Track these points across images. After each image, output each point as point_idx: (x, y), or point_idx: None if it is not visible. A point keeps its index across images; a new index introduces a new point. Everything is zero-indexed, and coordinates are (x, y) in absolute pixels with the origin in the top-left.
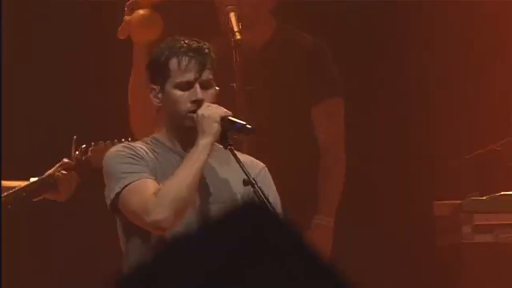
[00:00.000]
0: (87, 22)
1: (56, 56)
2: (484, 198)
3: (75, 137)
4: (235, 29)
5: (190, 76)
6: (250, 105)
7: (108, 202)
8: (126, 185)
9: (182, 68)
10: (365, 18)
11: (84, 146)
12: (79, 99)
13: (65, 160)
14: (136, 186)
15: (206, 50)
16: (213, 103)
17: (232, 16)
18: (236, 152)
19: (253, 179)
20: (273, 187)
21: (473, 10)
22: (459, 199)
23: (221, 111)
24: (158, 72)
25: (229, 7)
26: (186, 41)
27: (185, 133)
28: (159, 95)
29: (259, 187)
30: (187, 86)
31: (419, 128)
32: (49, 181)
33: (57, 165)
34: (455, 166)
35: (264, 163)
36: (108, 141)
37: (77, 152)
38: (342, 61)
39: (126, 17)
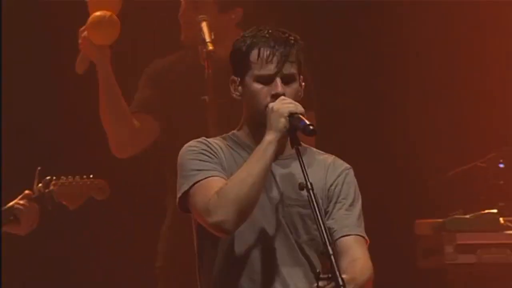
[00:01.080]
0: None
1: (22, 87)
2: (467, 216)
3: (39, 168)
4: (207, 39)
5: (271, 69)
6: (225, 119)
7: (177, 200)
8: (194, 183)
9: (263, 60)
10: (344, 24)
11: (47, 178)
12: (45, 129)
13: (27, 191)
14: (203, 185)
15: (292, 42)
16: (296, 100)
17: (204, 26)
18: (326, 154)
19: (310, 183)
20: (353, 189)
21: (458, 20)
22: (442, 217)
23: (292, 106)
24: (239, 63)
25: (201, 16)
26: (270, 31)
27: (264, 129)
28: (239, 88)
29: (314, 194)
30: (267, 79)
31: (400, 144)
32: (9, 213)
33: (19, 197)
34: (438, 183)
35: None
36: (70, 176)
37: (40, 184)
38: (319, 76)
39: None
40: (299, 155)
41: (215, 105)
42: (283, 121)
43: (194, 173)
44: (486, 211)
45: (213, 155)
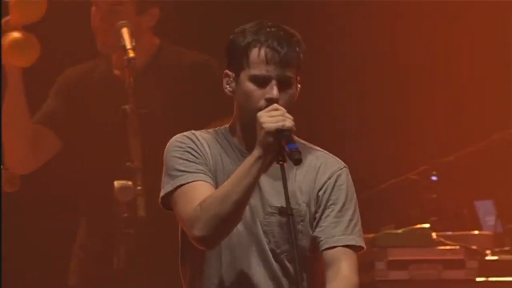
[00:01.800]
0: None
1: None
2: (399, 231)
3: None
4: (128, 46)
5: (269, 70)
6: (146, 129)
7: (159, 198)
8: (177, 187)
9: (261, 60)
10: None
11: None
12: None
13: None
14: (186, 191)
15: (294, 44)
16: (291, 104)
17: (125, 32)
18: (320, 150)
19: (291, 209)
20: (344, 192)
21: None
22: (373, 232)
23: (280, 123)
24: (235, 58)
25: (121, 22)
26: (273, 29)
27: (254, 131)
28: (232, 84)
29: (293, 220)
30: (263, 80)
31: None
32: None
33: None
34: (369, 196)
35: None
36: None
37: None
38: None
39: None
40: (283, 174)
41: (136, 115)
42: (269, 139)
43: (178, 174)
44: (418, 226)
45: (199, 154)
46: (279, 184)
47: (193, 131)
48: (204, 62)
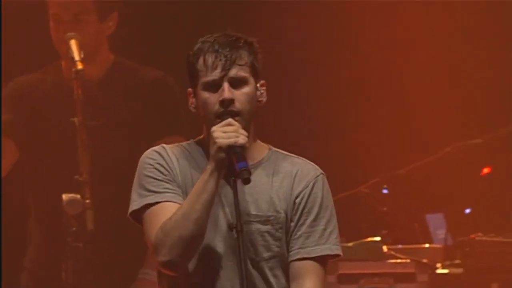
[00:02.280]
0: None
1: None
2: (350, 244)
3: None
4: (76, 58)
5: (216, 73)
6: (96, 142)
7: (128, 212)
8: (145, 206)
9: (208, 66)
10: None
11: None
12: None
13: None
14: (153, 212)
15: (239, 44)
16: (255, 103)
17: (73, 44)
18: (296, 156)
19: (241, 225)
20: (319, 200)
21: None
22: None
23: (232, 139)
24: (189, 73)
25: (69, 34)
26: (217, 36)
27: None
28: (194, 100)
29: (242, 237)
30: (214, 85)
31: None
32: None
33: None
34: None
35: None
36: None
37: None
38: None
39: None
40: (235, 189)
41: (84, 127)
42: (221, 155)
43: (146, 194)
44: (369, 239)
45: (168, 171)
46: (256, 191)
47: (164, 145)
48: (160, 78)
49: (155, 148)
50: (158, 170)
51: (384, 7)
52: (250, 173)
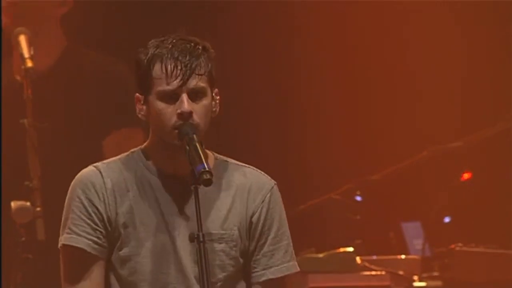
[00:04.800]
0: None
1: None
2: (320, 255)
3: None
4: (26, 55)
5: (174, 84)
6: (47, 145)
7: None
8: (62, 244)
9: (165, 75)
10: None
11: None
12: None
13: None
14: (66, 255)
15: (199, 51)
16: (209, 116)
17: (22, 39)
18: (246, 166)
19: (203, 235)
20: (277, 214)
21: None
22: None
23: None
24: (141, 78)
25: (18, 29)
26: (175, 40)
27: (173, 152)
28: (144, 107)
29: (205, 248)
30: (172, 96)
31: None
32: None
33: None
34: (287, 217)
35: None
36: None
37: None
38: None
39: None
40: (196, 197)
41: (34, 129)
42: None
43: (66, 231)
44: (341, 249)
45: (95, 212)
46: (209, 207)
47: (99, 165)
48: (109, 66)
49: (90, 172)
50: (84, 208)
51: (376, 6)
52: (211, 174)
